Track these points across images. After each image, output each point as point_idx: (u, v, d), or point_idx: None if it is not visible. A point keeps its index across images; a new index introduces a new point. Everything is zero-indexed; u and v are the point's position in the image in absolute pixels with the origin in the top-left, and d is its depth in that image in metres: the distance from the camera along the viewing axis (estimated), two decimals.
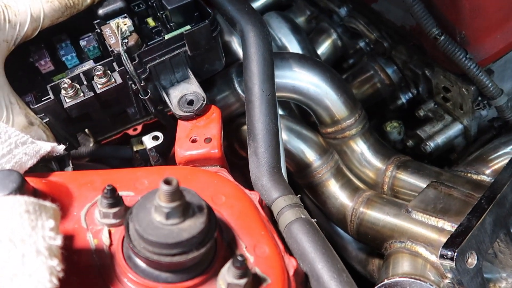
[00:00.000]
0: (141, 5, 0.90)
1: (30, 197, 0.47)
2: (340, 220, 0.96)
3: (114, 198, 0.57)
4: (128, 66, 0.73)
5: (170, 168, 0.71)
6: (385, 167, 0.99)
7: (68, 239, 0.56)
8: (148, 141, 0.86)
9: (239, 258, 0.50)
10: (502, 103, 0.85)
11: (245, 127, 1.10)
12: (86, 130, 1.10)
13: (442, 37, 0.81)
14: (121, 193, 0.64)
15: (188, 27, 0.82)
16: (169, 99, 0.81)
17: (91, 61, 0.82)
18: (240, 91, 1.01)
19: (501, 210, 0.73)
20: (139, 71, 0.76)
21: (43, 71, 0.83)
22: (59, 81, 0.75)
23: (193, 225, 0.51)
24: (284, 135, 1.00)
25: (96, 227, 0.58)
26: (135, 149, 0.89)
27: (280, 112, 1.18)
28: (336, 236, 1.12)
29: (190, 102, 0.80)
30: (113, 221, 0.58)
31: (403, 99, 1.16)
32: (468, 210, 0.75)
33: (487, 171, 0.87)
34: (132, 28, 0.78)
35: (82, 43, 0.84)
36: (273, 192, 0.73)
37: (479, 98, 0.88)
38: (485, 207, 0.72)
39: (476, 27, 0.80)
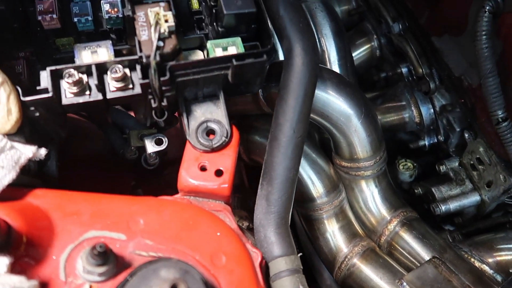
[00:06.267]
0: None
1: (6, 276, 0.37)
2: (329, 262, 0.92)
3: (104, 258, 0.48)
4: (154, 82, 0.59)
5: (171, 205, 0.62)
6: (389, 218, 0.93)
7: None
8: (150, 145, 0.75)
9: None
10: None
11: (256, 136, 1.00)
12: None
13: (505, 123, 0.71)
14: (111, 234, 0.55)
15: (238, 40, 0.66)
16: (187, 119, 0.67)
17: (109, 42, 0.65)
18: (261, 95, 0.89)
19: None
20: (165, 87, 0.61)
21: (46, 27, 0.67)
22: (63, 67, 0.59)
23: None
24: None
25: (76, 281, 0.50)
26: (133, 145, 0.78)
27: None
28: (315, 258, 1.10)
29: (210, 132, 0.68)
30: (98, 278, 0.50)
31: (427, 141, 1.07)
32: None
33: (491, 261, 0.84)
34: (173, 29, 0.61)
35: (105, 6, 0.66)
36: (276, 248, 0.67)
37: None
38: None
39: None
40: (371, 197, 0.94)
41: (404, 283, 0.79)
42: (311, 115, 0.87)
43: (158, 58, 0.59)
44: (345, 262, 0.89)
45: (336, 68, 1.06)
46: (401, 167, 1.07)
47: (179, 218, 0.60)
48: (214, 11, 0.68)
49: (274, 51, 0.67)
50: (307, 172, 0.92)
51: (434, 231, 0.90)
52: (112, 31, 0.69)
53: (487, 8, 0.67)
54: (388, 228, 0.92)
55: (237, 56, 0.63)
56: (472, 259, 0.85)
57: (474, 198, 0.93)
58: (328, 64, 1.05)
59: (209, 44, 0.66)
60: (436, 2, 0.88)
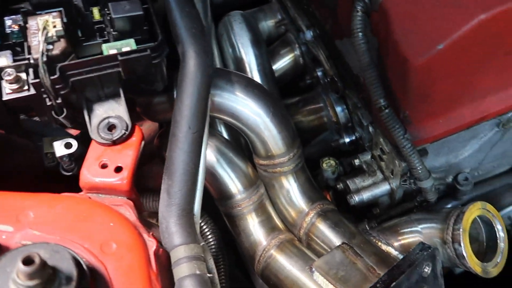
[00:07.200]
0: None
1: None
2: (250, 257, 0.96)
3: None
4: (45, 80, 0.64)
5: (65, 199, 0.66)
6: (307, 211, 0.98)
7: None
8: (59, 148, 0.79)
9: None
10: (427, 186, 0.86)
11: None
12: None
13: (386, 110, 0.78)
14: None
15: (131, 41, 0.73)
16: (89, 117, 0.73)
17: (9, 52, 0.71)
18: None
19: None
20: (58, 86, 0.67)
21: None
22: None
23: None
24: (213, 157, 0.96)
25: None
26: (45, 150, 0.81)
27: (224, 132, 1.13)
28: None
29: (111, 128, 0.73)
30: None
31: (346, 139, 1.14)
32: (365, 286, 0.76)
33: (396, 244, 0.89)
34: (61, 33, 0.68)
35: (8, 22, 0.73)
36: (176, 238, 0.70)
37: (408, 175, 0.87)
38: None
39: (420, 111, 0.78)
40: (291, 192, 0.98)
41: (313, 269, 0.83)
42: (225, 117, 0.93)
43: (45, 58, 0.64)
44: (263, 255, 0.93)
45: (255, 74, 1.13)
46: (324, 165, 1.13)
47: (71, 211, 0.64)
48: (109, 18, 0.74)
49: (162, 48, 0.73)
50: (225, 171, 0.96)
51: (350, 220, 0.95)
52: (16, 44, 0.74)
53: (358, 8, 0.75)
54: (305, 221, 0.97)
55: (122, 53, 0.69)
56: (379, 243, 0.90)
57: (385, 187, 0.99)
58: (247, 71, 1.12)
59: (103, 46, 0.73)
60: (334, 9, 0.97)
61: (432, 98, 0.75)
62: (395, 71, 0.75)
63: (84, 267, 0.53)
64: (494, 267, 0.80)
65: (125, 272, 0.60)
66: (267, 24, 1.31)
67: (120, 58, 0.69)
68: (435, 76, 0.70)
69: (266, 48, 1.19)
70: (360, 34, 0.76)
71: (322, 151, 1.21)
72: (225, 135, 1.14)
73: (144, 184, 1.06)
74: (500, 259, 0.81)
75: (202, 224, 1.01)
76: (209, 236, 1.01)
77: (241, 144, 1.13)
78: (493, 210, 0.83)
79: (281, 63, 1.26)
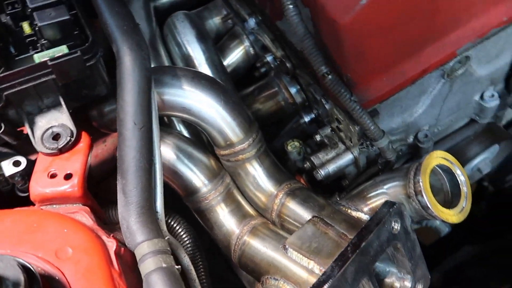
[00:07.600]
0: (16, 5, 0.78)
1: None
2: (226, 248, 0.95)
3: None
4: None
5: (13, 213, 0.64)
6: (276, 193, 0.97)
7: None
8: (8, 167, 0.77)
9: None
10: (383, 145, 0.86)
11: None
12: None
13: (330, 76, 0.79)
14: None
15: (63, 48, 0.73)
16: (32, 130, 0.72)
17: None
18: None
19: (364, 258, 0.74)
20: None
21: None
22: None
23: None
24: (172, 155, 0.95)
25: None
26: None
27: (183, 131, 1.13)
28: None
29: (56, 137, 0.72)
30: None
31: (306, 118, 1.14)
32: (338, 252, 0.75)
33: (365, 209, 0.89)
34: None
35: None
36: (138, 236, 0.69)
37: (364, 138, 0.88)
38: (349, 255, 0.73)
39: (361, 71, 0.79)
40: (258, 177, 0.98)
41: (287, 246, 0.83)
42: (178, 113, 0.92)
43: None
44: (237, 243, 0.92)
45: (205, 67, 1.13)
46: (289, 147, 1.13)
47: (21, 224, 0.62)
48: (36, 26, 0.74)
49: (94, 49, 0.72)
50: (186, 166, 0.95)
51: (318, 194, 0.95)
52: None
53: None
54: (275, 203, 0.96)
55: (52, 59, 0.68)
56: (349, 210, 0.90)
57: (348, 156, 1.00)
58: (196, 65, 1.12)
59: (35, 56, 0.72)
60: None
61: (368, 56, 0.76)
62: (328, 35, 0.76)
63: (35, 272, 0.51)
64: (460, 212, 0.81)
65: (84, 275, 0.59)
66: (214, 21, 1.32)
67: (50, 63, 0.68)
68: (365, 33, 0.71)
69: (213, 42, 1.19)
70: (291, 6, 0.77)
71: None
72: (185, 134, 1.13)
73: (112, 196, 1.04)
74: (465, 203, 0.82)
75: (175, 224, 0.99)
76: (184, 236, 1.00)
77: (203, 141, 1.13)
78: (450, 158, 0.84)
79: (233, 57, 1.27)
